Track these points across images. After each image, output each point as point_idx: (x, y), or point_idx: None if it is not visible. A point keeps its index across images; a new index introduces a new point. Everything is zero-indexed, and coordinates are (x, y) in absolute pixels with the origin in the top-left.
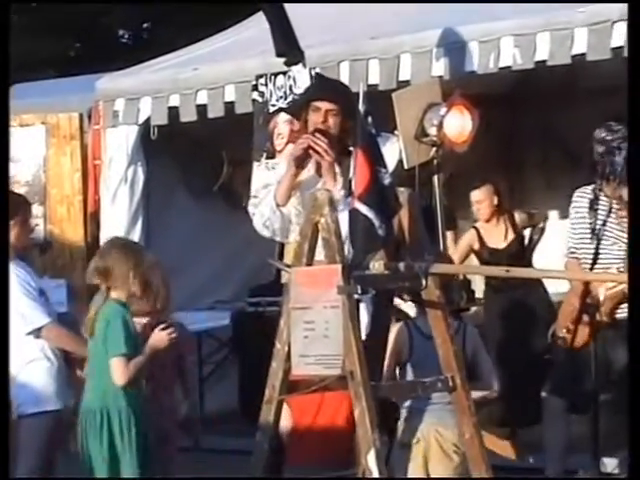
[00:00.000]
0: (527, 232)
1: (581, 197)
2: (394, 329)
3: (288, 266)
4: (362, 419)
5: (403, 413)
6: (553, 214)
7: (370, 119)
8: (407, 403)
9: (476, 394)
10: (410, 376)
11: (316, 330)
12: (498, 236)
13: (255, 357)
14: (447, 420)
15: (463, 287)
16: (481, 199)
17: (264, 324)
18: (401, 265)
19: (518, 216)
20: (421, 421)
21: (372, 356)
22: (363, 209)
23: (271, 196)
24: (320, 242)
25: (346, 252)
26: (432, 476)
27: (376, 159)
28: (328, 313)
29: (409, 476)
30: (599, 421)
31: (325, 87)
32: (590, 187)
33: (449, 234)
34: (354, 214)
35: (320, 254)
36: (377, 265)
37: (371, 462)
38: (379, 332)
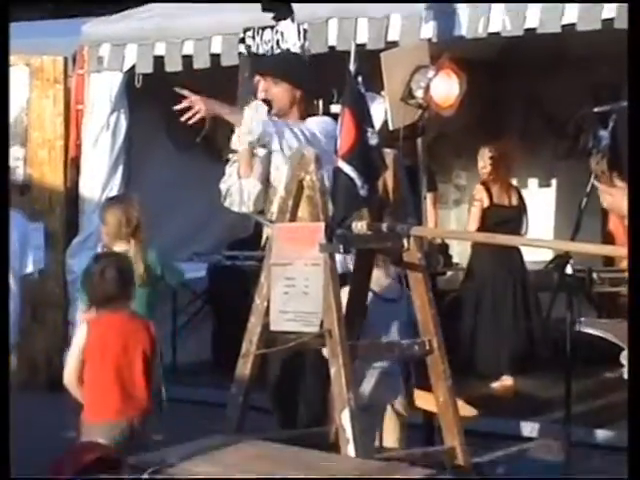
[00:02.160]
0: None
1: None
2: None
3: (271, 222)
4: (338, 377)
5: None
6: (532, 181)
7: (360, 79)
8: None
9: None
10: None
11: (296, 287)
12: (504, 196)
13: (230, 310)
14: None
15: (441, 251)
16: (494, 156)
17: (240, 277)
18: (384, 226)
19: None
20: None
21: (351, 315)
22: (346, 168)
23: (234, 168)
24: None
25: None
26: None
27: (364, 119)
28: (309, 270)
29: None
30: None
31: (268, 62)
32: None
33: (429, 195)
34: (337, 173)
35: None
36: (360, 225)
37: (345, 421)
38: (359, 291)
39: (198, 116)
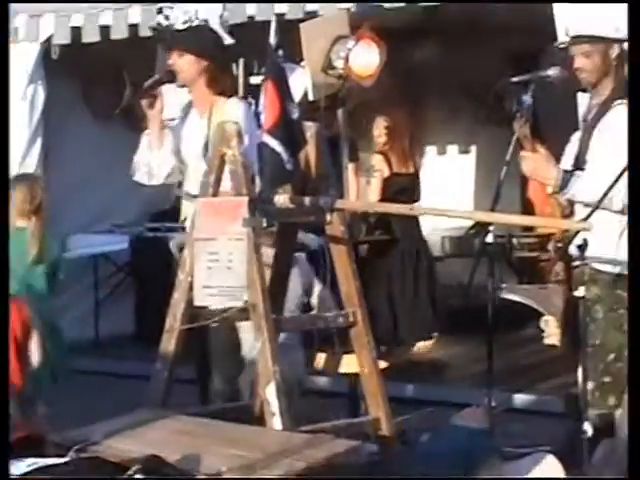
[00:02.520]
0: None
1: None
2: None
3: (194, 196)
4: (263, 351)
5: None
6: (452, 148)
7: (281, 52)
8: None
9: None
10: None
11: (220, 261)
12: (401, 164)
13: (153, 282)
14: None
15: (362, 219)
16: (389, 125)
17: (162, 249)
18: (306, 199)
19: None
20: None
21: (275, 289)
22: (272, 143)
23: (145, 140)
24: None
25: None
26: None
27: (285, 93)
28: (232, 245)
29: None
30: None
31: (173, 35)
32: None
33: (351, 165)
34: (263, 148)
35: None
36: (282, 199)
37: (270, 394)
38: (282, 265)
39: None
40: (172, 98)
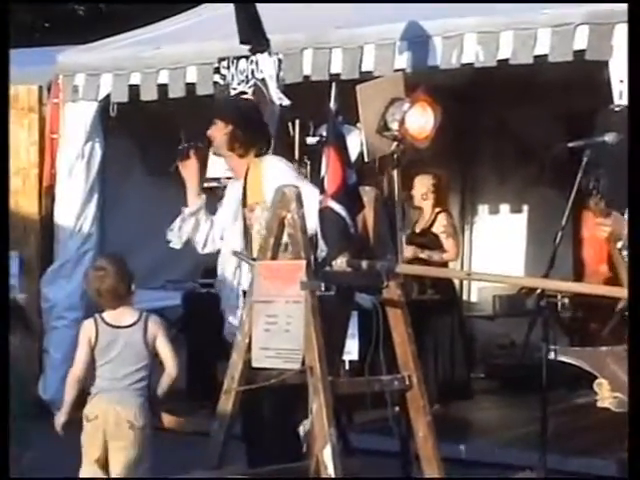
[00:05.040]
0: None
1: None
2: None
3: (253, 259)
4: (320, 414)
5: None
6: (504, 208)
7: (340, 118)
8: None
9: None
10: None
11: (278, 324)
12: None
13: (204, 338)
14: (126, 400)
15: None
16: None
17: (215, 305)
18: (364, 263)
19: None
20: (102, 400)
21: (331, 351)
22: (337, 207)
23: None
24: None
25: (319, 250)
26: (109, 449)
27: (345, 158)
28: (290, 308)
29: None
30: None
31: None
32: None
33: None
34: (327, 212)
35: None
36: (340, 262)
37: (327, 458)
38: (339, 327)
39: None
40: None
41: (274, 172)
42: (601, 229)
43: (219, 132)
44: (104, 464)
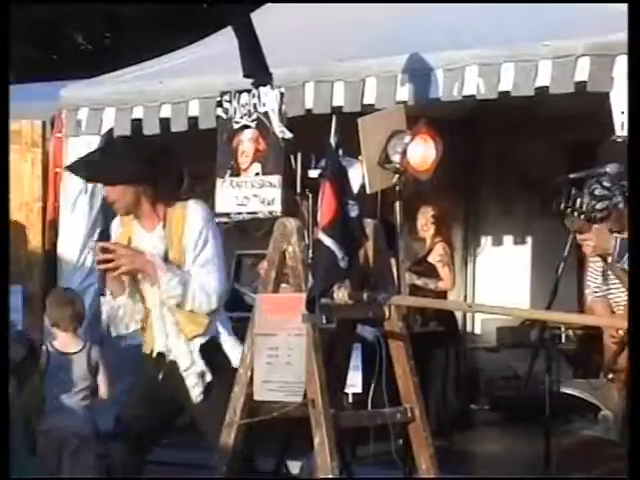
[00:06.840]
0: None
1: None
2: None
3: (254, 292)
4: (322, 448)
5: None
6: (508, 239)
7: (341, 151)
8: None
9: None
10: None
11: (279, 357)
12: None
13: None
14: None
15: (417, 311)
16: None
17: None
18: (365, 295)
19: None
20: None
21: (333, 384)
22: (326, 240)
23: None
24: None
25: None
26: None
27: (344, 191)
28: (292, 340)
29: None
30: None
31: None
32: None
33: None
34: (317, 245)
35: None
36: (341, 294)
37: None
38: (341, 360)
39: (119, 271)
40: None
41: (195, 217)
42: (585, 244)
43: (121, 194)
44: None
